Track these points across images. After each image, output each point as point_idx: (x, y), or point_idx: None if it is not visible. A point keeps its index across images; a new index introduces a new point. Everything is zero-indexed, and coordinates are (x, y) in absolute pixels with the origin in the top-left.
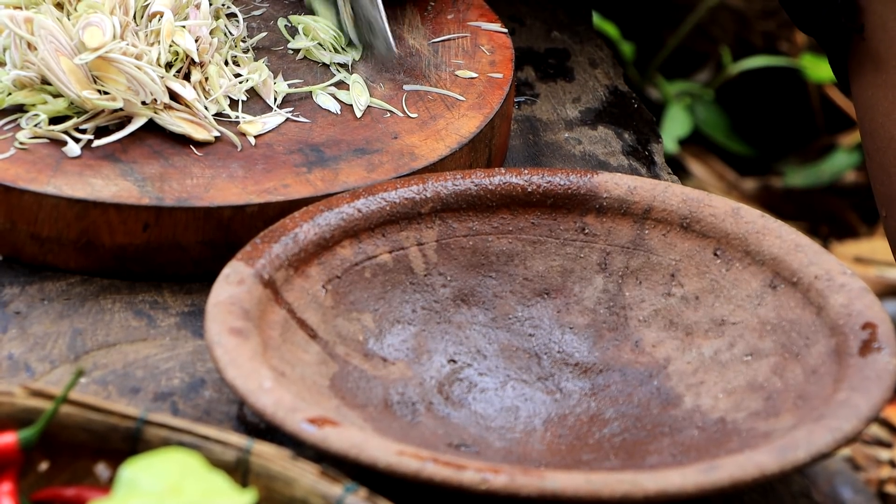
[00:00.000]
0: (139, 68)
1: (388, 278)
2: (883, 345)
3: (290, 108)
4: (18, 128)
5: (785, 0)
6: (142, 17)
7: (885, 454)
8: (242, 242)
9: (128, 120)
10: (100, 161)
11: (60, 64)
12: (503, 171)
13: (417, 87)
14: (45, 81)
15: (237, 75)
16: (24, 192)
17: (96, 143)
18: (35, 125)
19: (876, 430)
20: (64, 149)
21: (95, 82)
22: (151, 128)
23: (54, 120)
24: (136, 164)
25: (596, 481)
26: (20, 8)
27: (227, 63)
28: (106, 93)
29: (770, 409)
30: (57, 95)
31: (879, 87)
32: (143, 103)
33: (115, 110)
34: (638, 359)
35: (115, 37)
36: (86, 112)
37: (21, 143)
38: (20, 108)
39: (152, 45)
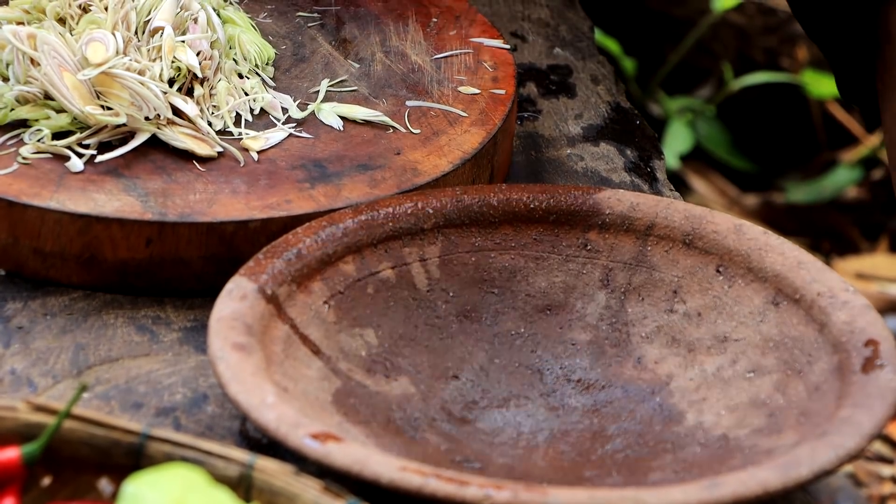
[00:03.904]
0: (142, 84)
1: (390, 294)
2: (885, 362)
3: (293, 124)
4: (21, 143)
5: (799, 11)
6: (143, 32)
7: (887, 471)
8: (245, 258)
9: (131, 135)
10: (103, 176)
11: (63, 79)
12: (505, 188)
13: (420, 103)
14: (48, 97)
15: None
16: (28, 207)
17: (99, 158)
18: (38, 140)
19: (878, 447)
20: (67, 164)
21: (98, 98)
22: (154, 143)
23: (57, 135)
24: (139, 180)
25: (598, 498)
26: (23, 23)
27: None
28: (109, 108)
29: (773, 426)
30: (60, 111)
31: None
32: (147, 119)
33: (119, 126)
34: (640, 375)
35: (118, 52)
36: (89, 127)
37: (24, 159)
38: (23, 124)
39: (154, 60)
